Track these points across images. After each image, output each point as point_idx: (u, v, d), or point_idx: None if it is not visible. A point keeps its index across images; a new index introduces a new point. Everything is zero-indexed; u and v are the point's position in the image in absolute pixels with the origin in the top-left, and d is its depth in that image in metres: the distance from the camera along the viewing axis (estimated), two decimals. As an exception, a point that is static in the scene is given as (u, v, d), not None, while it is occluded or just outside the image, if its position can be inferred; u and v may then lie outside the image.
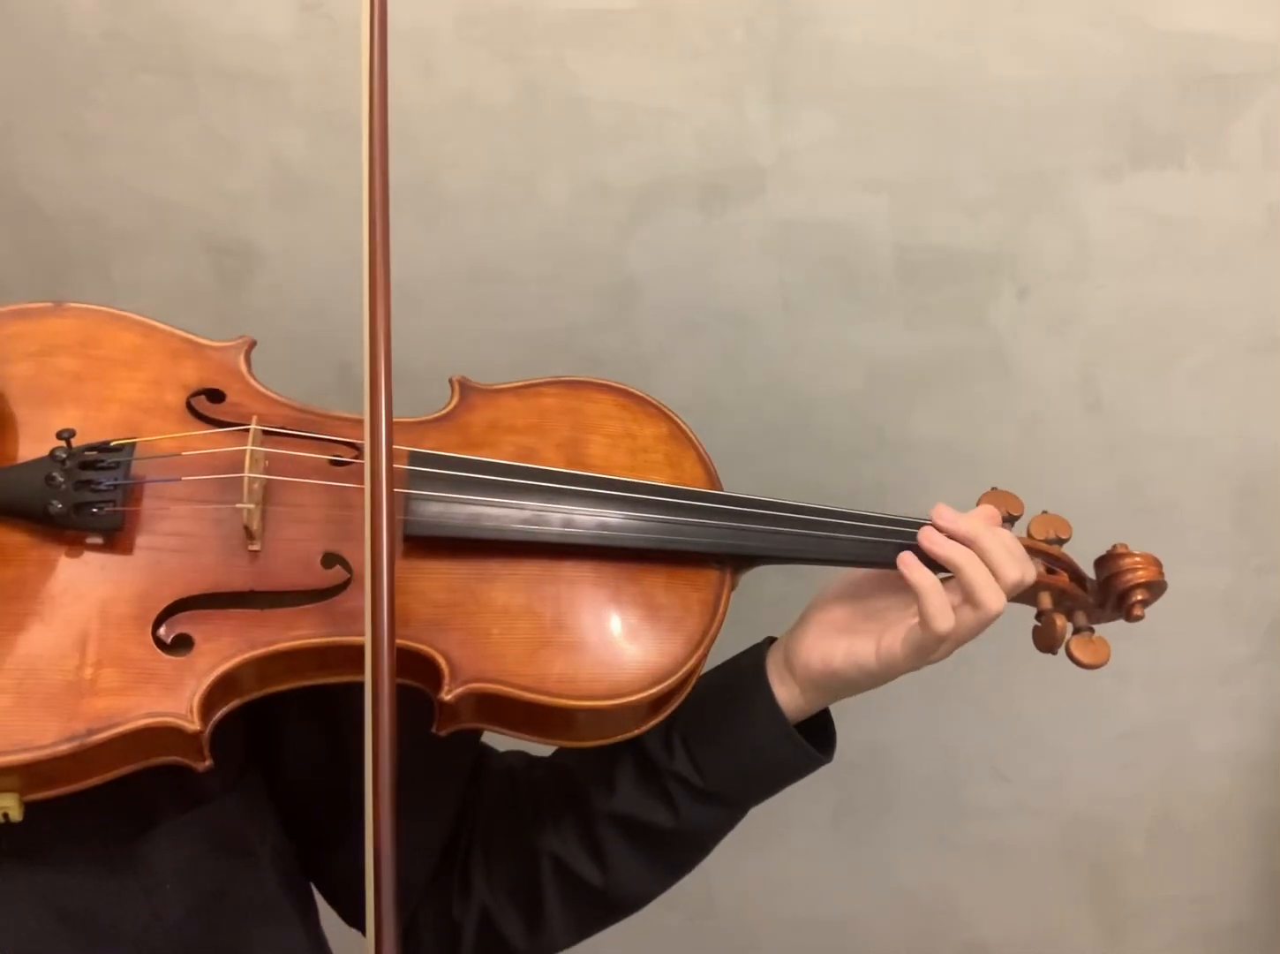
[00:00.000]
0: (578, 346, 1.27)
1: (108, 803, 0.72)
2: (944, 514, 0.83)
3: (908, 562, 0.81)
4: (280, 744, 0.86)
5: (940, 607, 0.79)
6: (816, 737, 0.86)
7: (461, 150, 1.18)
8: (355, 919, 0.92)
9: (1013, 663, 1.46)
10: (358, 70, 1.14)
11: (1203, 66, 1.17)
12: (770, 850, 1.56)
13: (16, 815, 0.67)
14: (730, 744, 0.85)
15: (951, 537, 0.82)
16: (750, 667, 0.86)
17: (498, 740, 0.85)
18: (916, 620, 0.80)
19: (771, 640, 0.89)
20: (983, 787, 1.58)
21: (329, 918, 0.93)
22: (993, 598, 0.79)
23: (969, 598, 0.80)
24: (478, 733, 0.85)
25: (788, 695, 0.85)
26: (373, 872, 0.61)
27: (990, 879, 1.65)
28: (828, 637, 0.84)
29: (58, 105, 1.16)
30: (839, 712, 0.90)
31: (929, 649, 0.80)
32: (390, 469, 0.67)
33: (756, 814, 0.90)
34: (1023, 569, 0.82)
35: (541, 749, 0.88)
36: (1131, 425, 1.35)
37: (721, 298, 1.26)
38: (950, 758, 1.55)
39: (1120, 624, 0.91)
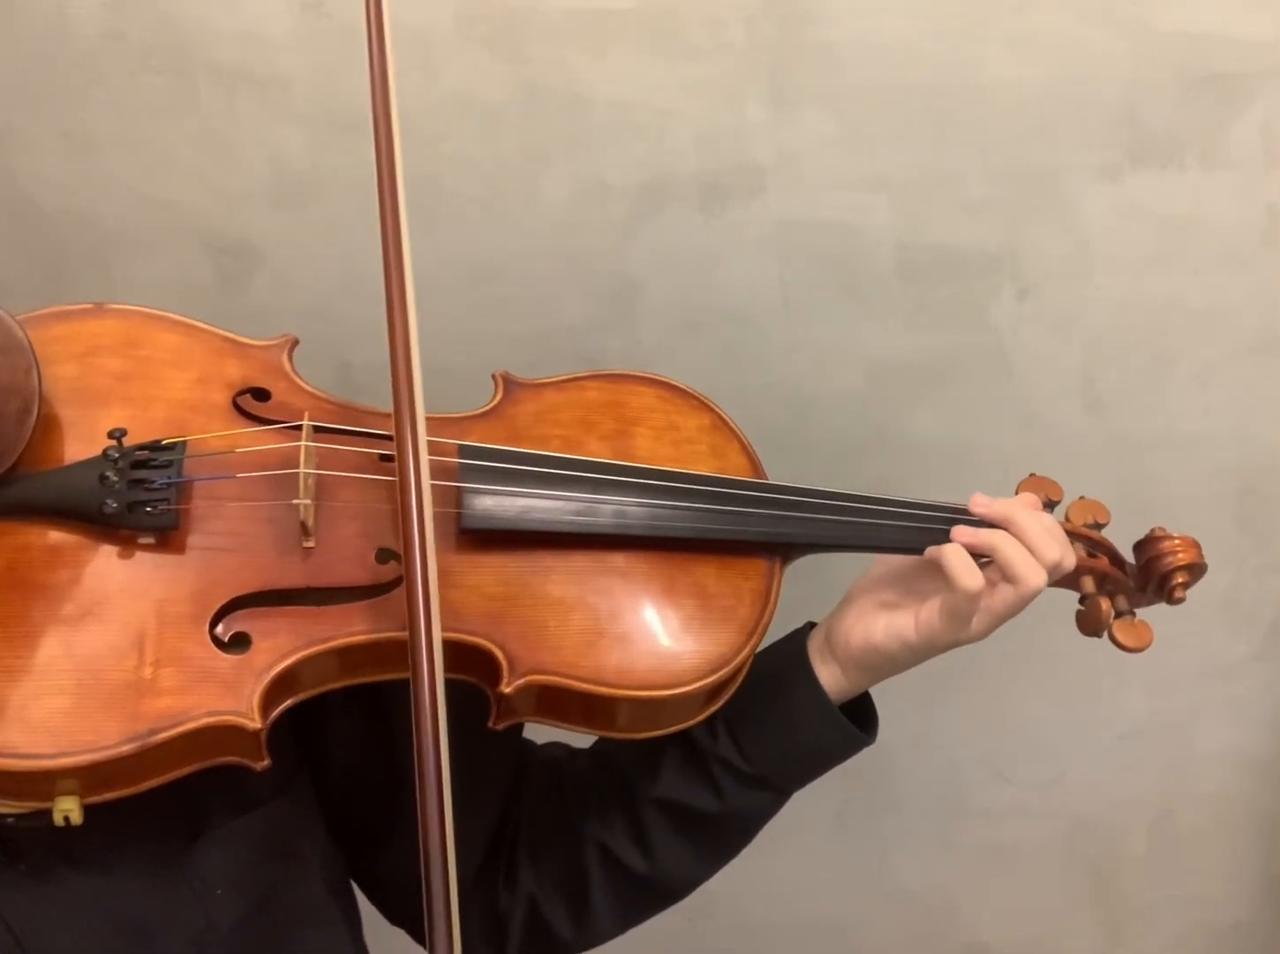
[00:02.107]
0: (578, 347, 1.27)
1: (160, 809, 0.72)
2: (979, 501, 0.84)
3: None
4: (327, 744, 0.86)
5: (965, 566, 0.79)
6: (858, 719, 0.86)
7: (461, 150, 1.18)
8: (402, 919, 0.93)
9: (1013, 664, 1.46)
10: (359, 70, 1.14)
11: (1203, 66, 1.17)
12: (771, 851, 1.55)
13: (77, 818, 0.67)
14: (774, 726, 0.85)
15: (988, 520, 0.82)
16: (792, 649, 0.87)
17: (546, 733, 0.85)
18: (948, 590, 0.80)
19: (812, 625, 0.89)
20: (983, 788, 1.58)
21: (374, 923, 0.93)
22: (1030, 572, 0.79)
23: (1007, 575, 0.80)
24: (522, 726, 0.84)
25: (830, 676, 0.85)
26: (424, 872, 0.61)
27: (990, 880, 1.65)
28: (868, 614, 0.84)
29: (58, 105, 1.15)
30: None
31: (964, 614, 0.80)
32: (418, 460, 0.67)
33: (758, 814, 0.90)
34: (1062, 550, 0.82)
35: (586, 741, 0.88)
36: (1131, 425, 1.35)
37: (721, 297, 1.26)
38: (951, 759, 1.55)
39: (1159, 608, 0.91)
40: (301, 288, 1.24)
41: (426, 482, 0.68)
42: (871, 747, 0.88)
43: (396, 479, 0.74)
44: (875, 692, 0.89)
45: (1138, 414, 1.34)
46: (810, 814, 1.56)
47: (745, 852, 0.91)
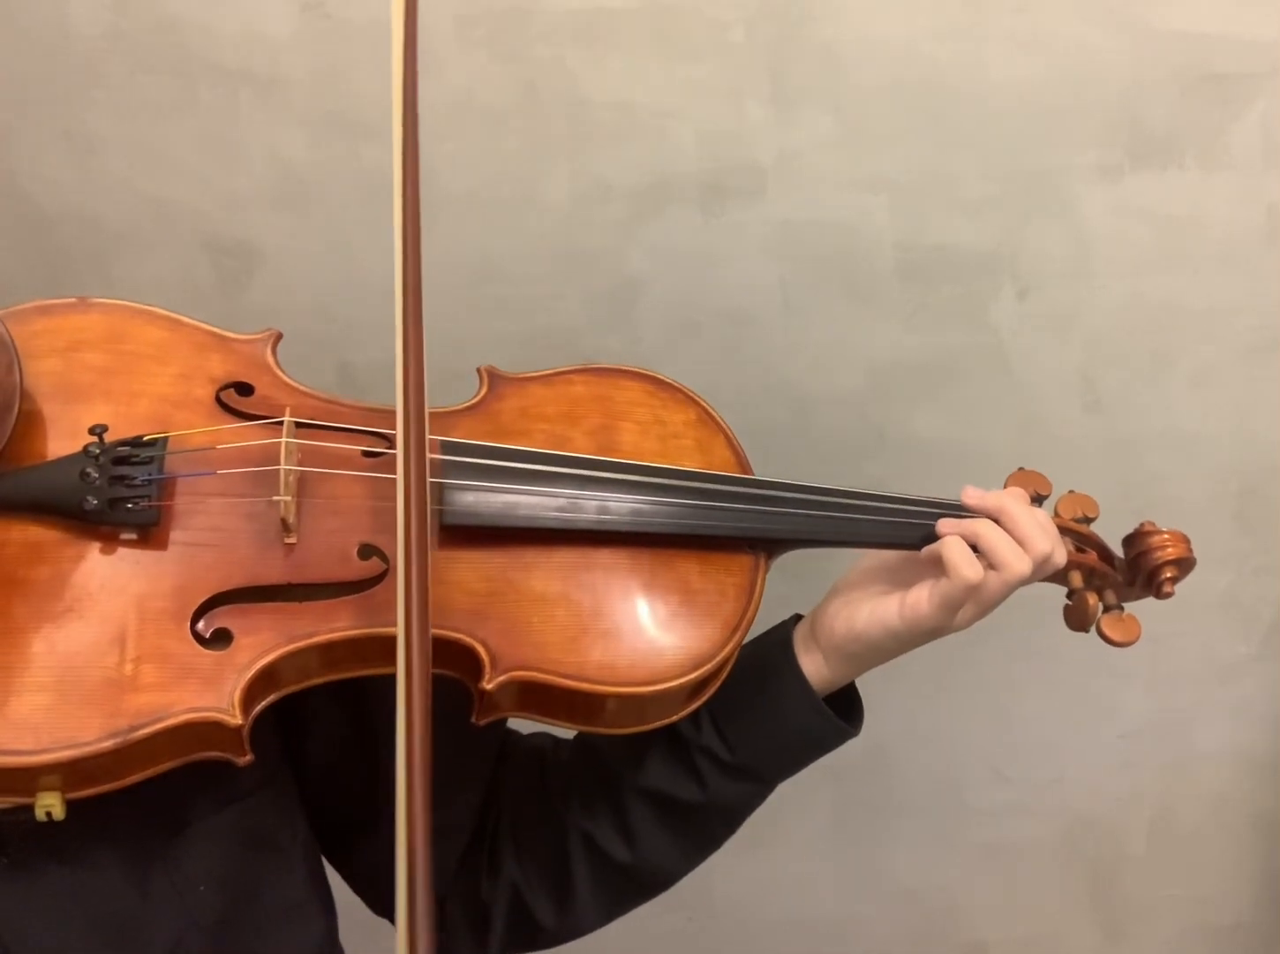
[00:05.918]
0: (578, 347, 1.27)
1: (143, 804, 0.72)
2: (971, 492, 0.84)
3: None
4: (310, 737, 0.86)
5: (966, 557, 0.79)
6: (843, 712, 0.86)
7: (461, 150, 1.18)
8: (385, 909, 0.92)
9: (1013, 664, 1.46)
10: (359, 70, 1.14)
11: (1203, 66, 1.17)
12: (770, 850, 1.56)
13: (59, 814, 0.67)
14: (757, 716, 0.84)
15: (980, 511, 0.82)
16: (777, 641, 0.86)
17: (531, 725, 0.85)
18: (943, 577, 0.80)
19: (799, 617, 0.89)
20: (983, 787, 1.58)
21: (354, 911, 0.93)
22: (1015, 559, 0.79)
23: (992, 561, 0.80)
24: (506, 718, 0.84)
25: (813, 666, 0.84)
26: (405, 865, 0.60)
27: (990, 879, 1.65)
28: (852, 603, 0.84)
29: (58, 105, 1.16)
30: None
31: (956, 603, 0.79)
32: (423, 451, 0.67)
33: (756, 814, 0.90)
34: (1053, 544, 0.82)
35: (570, 735, 0.88)
36: (1131, 425, 1.35)
37: (721, 297, 1.26)
38: (950, 758, 1.55)
39: (1148, 603, 0.90)
40: (301, 288, 1.24)
41: (426, 482, 0.68)
42: (871, 746, 0.88)
43: (381, 476, 0.75)
44: (875, 690, 0.89)
45: (1138, 414, 1.34)
46: (810, 813, 1.57)
47: (746, 851, 0.91)
